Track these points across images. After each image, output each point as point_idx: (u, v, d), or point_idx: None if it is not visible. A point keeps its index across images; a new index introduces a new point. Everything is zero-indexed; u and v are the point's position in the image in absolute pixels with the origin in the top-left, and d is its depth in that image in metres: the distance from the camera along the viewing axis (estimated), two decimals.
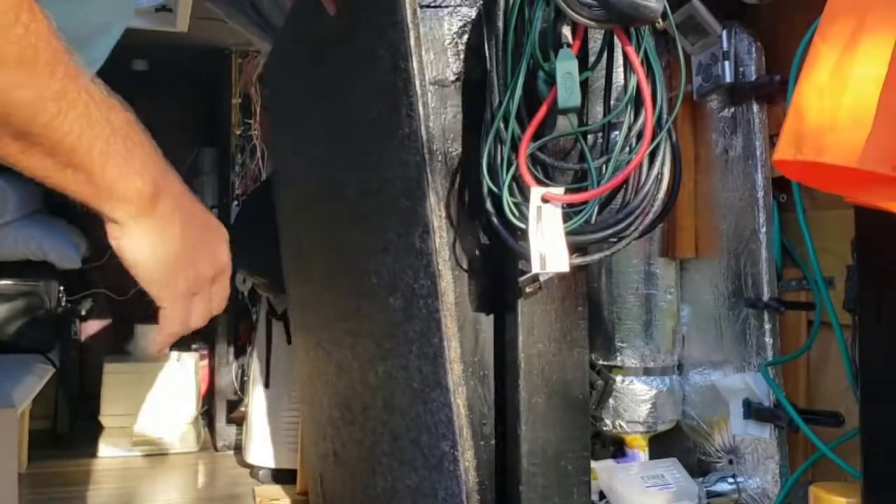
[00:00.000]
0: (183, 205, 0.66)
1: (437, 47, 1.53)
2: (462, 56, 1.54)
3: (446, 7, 1.54)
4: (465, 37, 1.54)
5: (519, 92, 1.23)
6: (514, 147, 1.24)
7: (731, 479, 1.63)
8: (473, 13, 1.54)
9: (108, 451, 4.04)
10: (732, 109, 1.63)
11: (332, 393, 2.10)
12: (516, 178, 1.25)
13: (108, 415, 4.05)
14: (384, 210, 1.63)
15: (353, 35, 1.69)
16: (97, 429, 4.09)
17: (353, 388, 1.91)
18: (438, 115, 1.50)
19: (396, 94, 1.48)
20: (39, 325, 4.03)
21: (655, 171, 1.21)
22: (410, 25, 1.44)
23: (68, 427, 4.23)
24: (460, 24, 1.53)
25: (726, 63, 1.58)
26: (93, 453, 4.03)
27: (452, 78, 1.52)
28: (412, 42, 1.44)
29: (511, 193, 1.25)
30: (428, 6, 1.52)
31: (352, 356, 1.89)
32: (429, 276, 1.41)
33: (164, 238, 0.63)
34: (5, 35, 0.48)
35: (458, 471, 1.38)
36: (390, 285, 1.60)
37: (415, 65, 1.44)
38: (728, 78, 1.58)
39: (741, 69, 1.59)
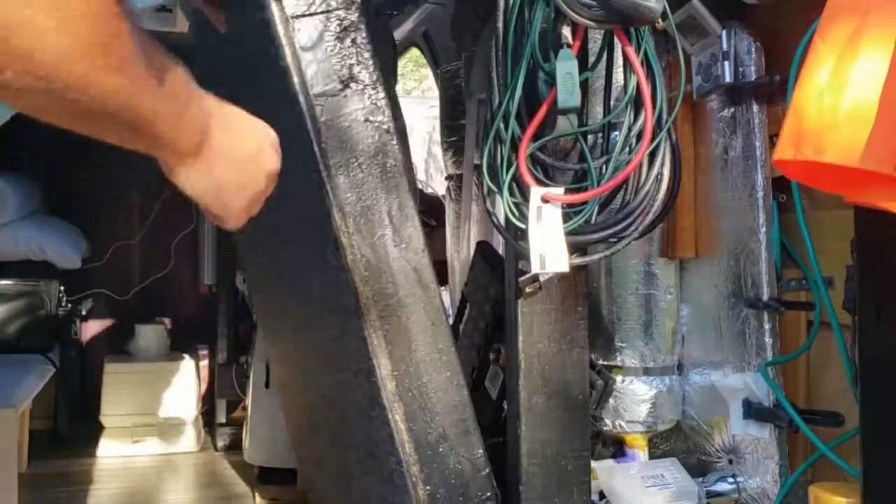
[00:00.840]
0: (232, 136, 0.74)
1: (319, 57, 1.49)
2: (352, 60, 1.51)
3: (318, 14, 1.50)
4: (349, 41, 1.51)
5: (519, 92, 1.23)
6: (514, 147, 1.24)
7: (730, 479, 1.63)
8: (354, 15, 1.51)
9: (108, 451, 4.04)
10: (732, 109, 1.63)
11: (303, 402, 2.10)
12: (516, 178, 1.25)
13: (108, 415, 4.05)
14: (301, 227, 1.63)
15: (240, 51, 1.67)
16: (97, 429, 4.09)
17: (315, 399, 1.92)
18: (331, 127, 1.47)
19: (286, 112, 1.46)
20: (39, 325, 4.03)
21: (655, 171, 1.21)
22: (284, 41, 1.43)
23: (68, 427, 4.23)
24: (338, 28, 1.50)
25: (726, 63, 1.58)
26: (93, 453, 4.03)
27: (339, 87, 1.50)
28: (289, 59, 1.42)
29: (511, 193, 1.25)
30: (300, 16, 1.49)
31: (310, 367, 1.90)
32: (350, 294, 1.43)
33: (214, 173, 0.72)
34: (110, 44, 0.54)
35: (407, 486, 1.39)
36: (323, 300, 1.61)
37: (295, 81, 1.42)
38: (728, 78, 1.58)
39: (741, 69, 1.59)
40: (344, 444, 1.74)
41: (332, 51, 1.50)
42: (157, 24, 3.01)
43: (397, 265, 1.51)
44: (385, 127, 1.51)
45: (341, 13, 1.50)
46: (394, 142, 1.52)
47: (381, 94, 1.52)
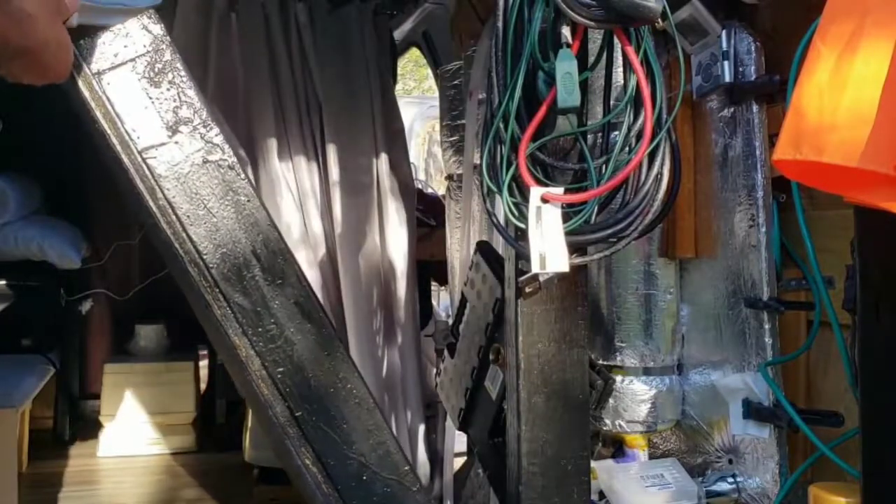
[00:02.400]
0: None
1: (137, 109, 1.43)
2: (174, 103, 1.45)
3: (125, 64, 1.45)
4: (166, 84, 1.45)
5: (518, 92, 1.23)
6: (514, 147, 1.24)
7: (730, 479, 1.63)
8: (166, 55, 1.46)
9: (108, 450, 4.04)
10: (732, 109, 1.62)
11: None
12: (516, 178, 1.25)
13: (108, 415, 4.06)
14: (181, 284, 1.61)
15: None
16: (97, 429, 4.09)
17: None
18: (170, 178, 1.43)
19: (122, 176, 1.44)
20: (39, 325, 4.03)
21: (655, 170, 1.21)
22: (93, 103, 1.39)
23: (68, 427, 4.23)
24: (151, 73, 1.45)
25: (726, 63, 1.58)
26: (93, 453, 4.03)
27: (168, 134, 1.44)
28: (103, 120, 1.39)
29: (511, 193, 1.25)
30: (106, 70, 1.44)
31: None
32: (230, 347, 1.43)
33: None
34: None
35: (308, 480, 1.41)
36: (218, 345, 1.58)
37: (115, 142, 1.39)
38: (728, 78, 1.58)
39: (741, 69, 1.59)
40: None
41: (150, 99, 1.44)
42: None
43: (276, 303, 1.47)
44: (227, 163, 1.46)
45: (150, 56, 1.44)
46: (241, 176, 1.47)
47: (215, 130, 1.47)
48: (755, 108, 1.58)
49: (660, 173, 1.21)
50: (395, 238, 2.97)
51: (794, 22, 1.47)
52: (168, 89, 1.44)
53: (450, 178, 2.52)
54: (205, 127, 1.45)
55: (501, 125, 1.26)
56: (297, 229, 2.82)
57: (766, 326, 1.56)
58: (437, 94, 2.71)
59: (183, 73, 1.43)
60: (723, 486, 1.63)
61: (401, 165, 3.07)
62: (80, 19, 3.66)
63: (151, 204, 1.41)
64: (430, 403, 3.01)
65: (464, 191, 2.33)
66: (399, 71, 4.30)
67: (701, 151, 1.72)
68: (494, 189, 1.28)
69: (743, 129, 1.60)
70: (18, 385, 3.50)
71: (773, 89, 1.53)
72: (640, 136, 1.19)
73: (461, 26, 2.59)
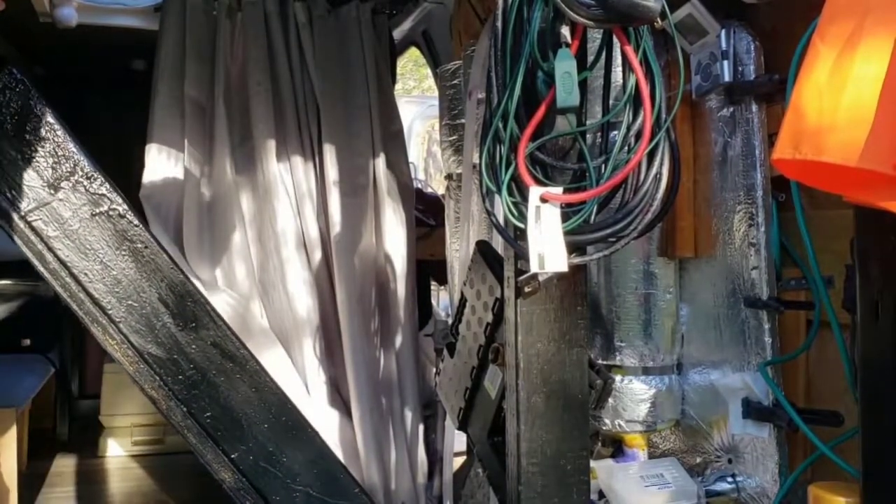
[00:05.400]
0: None
1: (9, 171, 1.37)
2: (48, 157, 1.38)
3: None
4: (31, 136, 1.37)
5: (518, 91, 1.23)
6: (513, 146, 1.24)
7: (730, 479, 1.63)
8: (21, 100, 1.37)
9: (108, 450, 4.04)
10: (731, 109, 1.62)
11: None
12: (515, 178, 1.24)
13: (108, 415, 4.05)
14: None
15: None
16: (97, 429, 4.09)
17: None
18: (61, 237, 1.38)
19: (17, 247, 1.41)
20: (39, 325, 4.03)
21: (654, 170, 1.20)
22: None
23: (68, 427, 4.22)
24: (11, 126, 1.36)
25: (725, 62, 1.58)
26: (93, 453, 4.02)
27: (50, 192, 1.38)
28: None
29: (510, 193, 1.25)
30: None
31: None
32: (151, 402, 1.46)
33: None
34: None
35: None
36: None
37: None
38: (727, 77, 1.58)
39: (740, 68, 1.59)
40: None
41: (16, 157, 1.36)
42: (155, 23, 3.01)
43: (191, 348, 1.43)
44: (118, 212, 1.41)
45: (19, 115, 1.35)
46: (134, 223, 1.42)
47: (99, 179, 1.40)
48: (754, 107, 1.58)
49: (659, 173, 1.21)
50: (393, 238, 2.97)
51: (793, 21, 1.46)
52: (36, 142, 1.37)
53: (449, 177, 2.52)
54: (87, 178, 1.39)
55: (500, 125, 1.25)
56: (293, 232, 2.82)
57: (766, 326, 1.56)
58: (436, 93, 2.71)
59: (51, 118, 1.36)
60: (722, 486, 1.63)
61: (399, 166, 3.06)
62: (80, 19, 3.65)
63: (42, 268, 1.37)
64: (429, 403, 3.01)
65: (463, 190, 2.33)
66: (399, 70, 4.30)
67: (700, 151, 1.72)
68: (494, 188, 1.28)
69: (742, 128, 1.59)
70: (18, 385, 3.49)
71: (773, 89, 1.53)
72: (639, 135, 1.19)
73: (461, 26, 2.59)
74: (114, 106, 4.34)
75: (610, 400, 1.71)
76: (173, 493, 3.59)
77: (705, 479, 1.65)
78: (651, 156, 1.20)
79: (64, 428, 4.20)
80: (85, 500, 3.61)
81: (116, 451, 4.00)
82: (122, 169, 3.68)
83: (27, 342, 3.99)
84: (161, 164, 2.77)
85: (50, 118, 1.36)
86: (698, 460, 1.73)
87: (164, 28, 2.86)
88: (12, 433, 3.18)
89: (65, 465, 3.94)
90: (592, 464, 1.56)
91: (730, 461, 1.65)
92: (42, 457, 3.93)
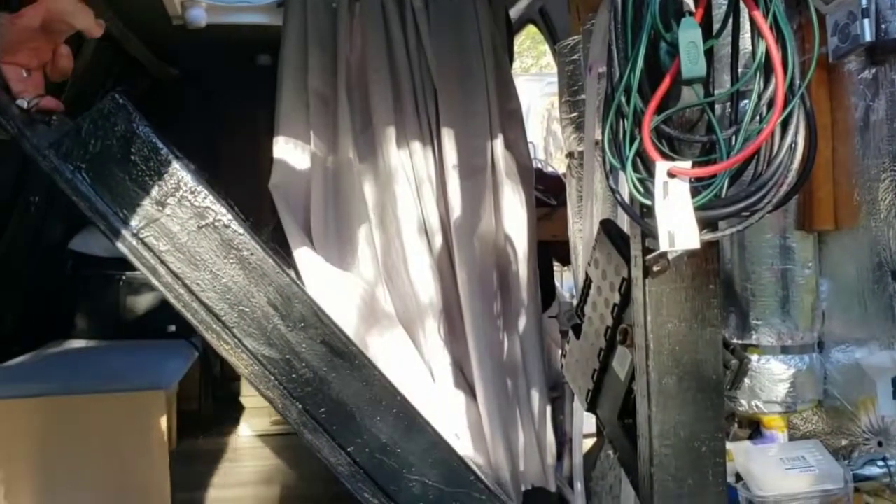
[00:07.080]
0: None
1: (118, 191, 1.42)
2: (153, 175, 1.43)
3: (103, 151, 1.40)
4: (136, 157, 1.43)
5: (640, 64, 1.19)
6: (637, 121, 1.21)
7: (880, 463, 1.54)
8: (140, 129, 1.42)
9: (249, 429, 4.25)
10: (874, 70, 1.52)
11: None
12: (640, 153, 1.21)
13: (248, 395, 4.26)
14: None
15: None
16: (239, 409, 4.30)
17: None
18: (173, 252, 1.44)
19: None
20: None
21: (788, 140, 1.15)
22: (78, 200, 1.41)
23: (212, 408, 4.47)
24: (120, 147, 1.41)
25: (866, 21, 1.48)
26: (234, 432, 4.24)
27: (158, 209, 1.43)
28: (90, 213, 1.41)
29: (635, 169, 1.22)
30: (88, 160, 1.42)
31: None
32: (266, 402, 1.47)
33: None
34: None
35: None
36: None
37: (120, 227, 1.42)
38: (868, 37, 1.48)
39: (883, 26, 1.48)
40: None
41: (124, 178, 1.42)
42: (279, 18, 3.12)
43: (302, 347, 1.46)
44: (222, 222, 1.45)
45: (125, 138, 1.40)
46: (240, 231, 1.45)
47: (202, 192, 1.44)
48: None
49: (794, 142, 1.15)
50: (512, 220, 2.96)
51: None
52: (141, 162, 1.43)
53: (570, 155, 2.49)
54: (191, 193, 1.45)
55: (623, 99, 1.22)
56: (414, 217, 2.86)
57: None
58: (555, 70, 2.67)
59: (158, 143, 1.43)
60: (872, 470, 1.55)
61: (517, 145, 3.04)
62: (209, 19, 3.81)
63: (156, 282, 1.44)
64: (556, 385, 3.00)
65: (585, 168, 2.29)
66: (516, 49, 4.27)
67: (839, 117, 1.62)
68: (618, 165, 1.25)
69: (886, 90, 1.50)
70: (166, 368, 3.72)
71: None
72: (771, 104, 1.13)
73: (578, 0, 2.54)
74: (243, 100, 4.52)
75: (746, 380, 1.66)
76: (309, 468, 3.75)
77: (853, 462, 1.57)
78: (785, 125, 1.15)
79: (208, 408, 4.45)
80: (230, 476, 3.82)
81: (256, 430, 4.20)
82: (253, 161, 3.84)
83: (173, 328, 4.23)
84: (288, 155, 2.87)
85: (153, 138, 1.44)
86: (844, 443, 1.65)
87: (287, 23, 2.96)
88: (162, 413, 3.39)
89: (210, 444, 4.17)
90: (729, 445, 1.52)
91: (880, 444, 1.56)
92: (189, 435, 4.17)
